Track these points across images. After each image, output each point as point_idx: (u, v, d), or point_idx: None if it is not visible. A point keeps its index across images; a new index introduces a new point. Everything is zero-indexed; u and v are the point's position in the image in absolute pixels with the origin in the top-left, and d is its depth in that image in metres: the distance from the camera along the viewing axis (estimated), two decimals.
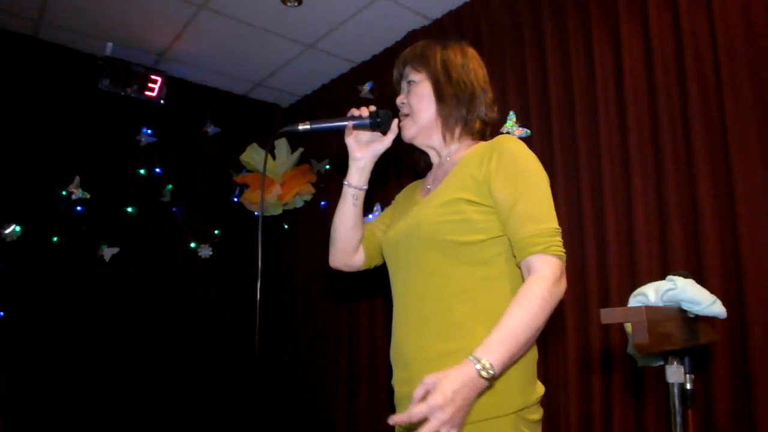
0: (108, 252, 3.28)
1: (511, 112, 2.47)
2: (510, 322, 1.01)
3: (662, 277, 1.16)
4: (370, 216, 2.96)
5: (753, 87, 1.83)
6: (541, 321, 1.03)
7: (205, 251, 3.72)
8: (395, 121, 1.35)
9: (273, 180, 3.65)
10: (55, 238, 3.15)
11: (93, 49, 3.27)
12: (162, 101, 3.40)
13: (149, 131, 3.52)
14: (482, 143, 1.27)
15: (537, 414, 1.15)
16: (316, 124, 1.32)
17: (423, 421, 0.90)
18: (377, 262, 1.48)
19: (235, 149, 3.73)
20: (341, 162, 3.63)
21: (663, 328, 1.00)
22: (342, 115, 1.35)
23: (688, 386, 1.10)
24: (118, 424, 3.22)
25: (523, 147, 1.20)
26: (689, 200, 1.96)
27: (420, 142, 1.34)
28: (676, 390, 1.09)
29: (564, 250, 1.11)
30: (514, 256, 1.14)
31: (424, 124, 1.30)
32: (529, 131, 2.43)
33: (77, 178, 3.21)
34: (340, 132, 1.36)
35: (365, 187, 1.39)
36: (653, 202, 2.06)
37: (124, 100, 3.34)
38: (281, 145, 3.73)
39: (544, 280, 1.05)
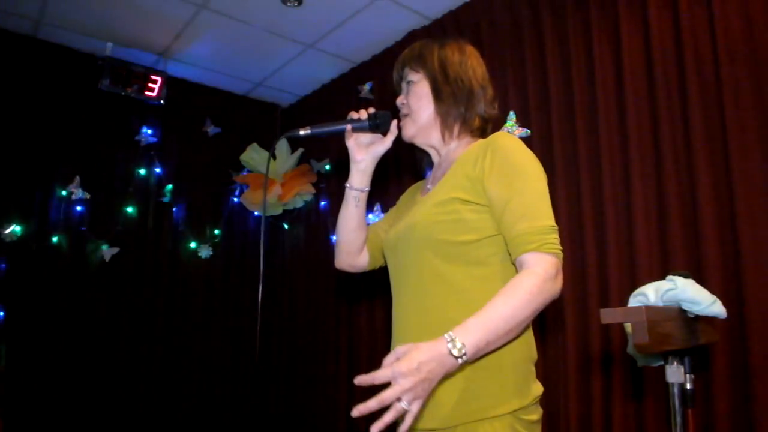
0: (108, 252, 3.28)
1: (511, 112, 2.47)
2: (493, 309, 1.00)
3: (662, 277, 1.16)
4: (371, 216, 2.96)
5: (753, 87, 1.83)
6: (526, 315, 1.02)
7: (205, 251, 3.72)
8: (394, 123, 1.35)
9: (273, 180, 3.65)
10: (55, 238, 3.15)
11: (93, 49, 3.27)
12: (162, 101, 3.39)
13: (149, 131, 3.52)
14: (479, 141, 1.26)
15: (535, 414, 1.14)
16: (317, 128, 1.34)
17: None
18: (382, 262, 1.48)
19: (235, 149, 3.73)
20: (341, 162, 3.63)
21: (663, 328, 1.00)
22: (342, 117, 1.36)
23: (688, 386, 1.10)
24: (118, 424, 3.22)
25: (518, 143, 1.19)
26: (689, 200, 1.96)
27: (420, 142, 1.34)
28: (676, 390, 1.09)
29: (560, 248, 1.09)
30: (509, 255, 1.13)
31: (423, 124, 1.30)
32: (529, 131, 2.43)
33: (77, 178, 3.21)
34: (341, 134, 1.37)
35: (367, 188, 1.41)
36: (653, 202, 2.06)
37: (124, 100, 3.34)
38: (281, 145, 3.73)
39: (534, 276, 1.03)
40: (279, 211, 3.76)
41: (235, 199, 3.88)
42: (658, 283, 1.13)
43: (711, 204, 1.89)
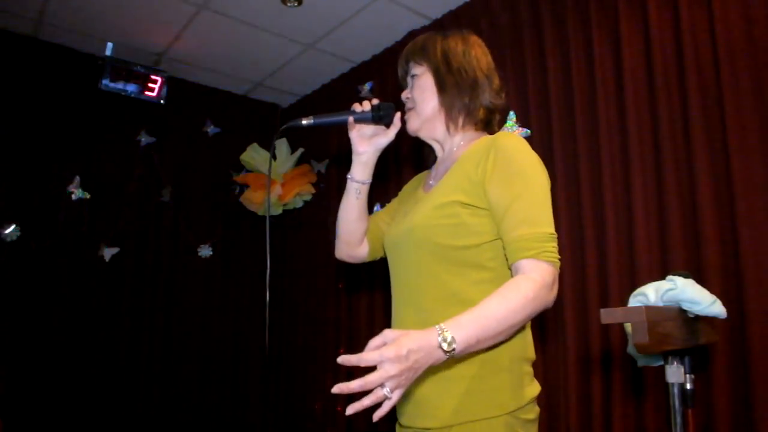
0: (108, 252, 3.28)
1: (511, 112, 2.47)
2: (487, 308, 0.98)
3: (662, 277, 1.16)
4: None
5: (753, 87, 1.83)
6: (519, 319, 1.00)
7: (205, 251, 3.72)
8: (398, 115, 1.34)
9: (274, 180, 3.65)
10: (55, 238, 3.15)
11: (93, 49, 3.27)
12: (162, 101, 3.39)
13: (149, 131, 3.52)
14: (483, 138, 1.25)
15: (532, 413, 1.14)
16: (319, 118, 1.34)
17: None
18: (381, 254, 1.47)
19: (235, 149, 3.73)
20: (341, 162, 3.64)
21: (663, 328, 1.00)
22: (345, 110, 1.35)
23: (688, 386, 1.10)
24: (118, 424, 3.22)
25: (521, 144, 1.17)
26: (689, 200, 1.96)
27: (424, 135, 1.33)
28: (676, 390, 1.09)
29: (558, 257, 1.07)
30: (507, 259, 1.12)
31: (427, 116, 1.29)
32: (529, 131, 2.43)
33: (77, 178, 3.21)
34: (340, 132, 1.36)
35: (369, 180, 1.40)
36: (653, 202, 2.06)
37: (124, 100, 3.34)
38: (281, 145, 3.73)
39: (531, 281, 1.02)
40: (279, 211, 3.76)
41: (236, 200, 3.87)
42: (658, 283, 1.13)
43: (711, 204, 1.89)
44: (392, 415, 1.25)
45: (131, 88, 3.29)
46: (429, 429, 1.13)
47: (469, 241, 1.14)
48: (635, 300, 1.14)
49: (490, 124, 1.31)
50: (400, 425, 1.25)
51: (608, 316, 0.98)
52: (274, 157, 3.72)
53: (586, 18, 2.33)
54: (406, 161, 3.10)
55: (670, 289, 1.10)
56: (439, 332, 0.92)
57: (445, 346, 0.91)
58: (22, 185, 3.07)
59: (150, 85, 3.35)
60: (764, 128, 1.80)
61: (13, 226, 2.99)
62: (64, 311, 3.13)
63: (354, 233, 1.43)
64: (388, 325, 1.29)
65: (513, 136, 1.19)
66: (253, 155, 3.70)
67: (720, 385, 1.80)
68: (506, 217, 1.09)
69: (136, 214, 3.46)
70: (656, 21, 2.09)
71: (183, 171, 3.69)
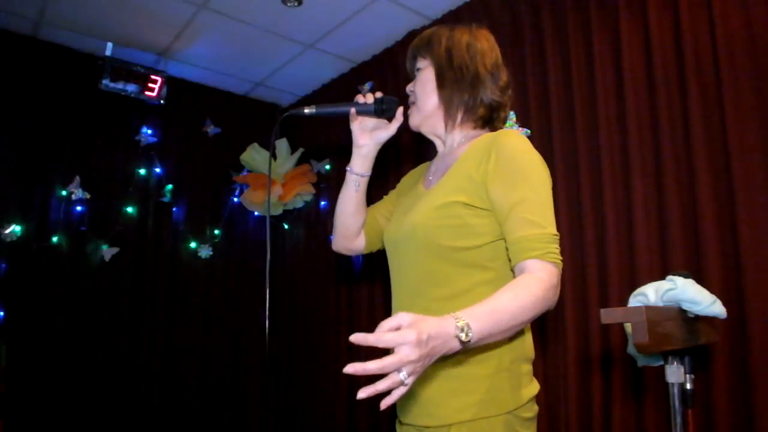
0: (108, 252, 3.28)
1: (511, 112, 2.47)
2: (500, 302, 0.96)
3: (662, 277, 1.16)
4: None
5: (753, 87, 1.83)
6: (527, 317, 0.99)
7: (205, 251, 3.72)
8: (400, 109, 1.33)
9: (274, 180, 3.65)
10: (55, 238, 3.15)
11: (93, 49, 3.27)
12: (162, 101, 3.39)
13: (149, 131, 3.52)
14: (484, 136, 1.24)
15: (531, 412, 1.14)
16: (321, 108, 1.32)
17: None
18: (378, 246, 1.47)
19: (235, 149, 3.73)
20: (341, 162, 3.64)
21: (663, 328, 1.01)
22: (348, 101, 1.35)
23: (688, 386, 1.10)
24: (118, 424, 3.21)
25: (523, 143, 1.16)
26: (689, 200, 1.96)
27: (426, 131, 1.33)
28: (676, 390, 1.09)
29: (561, 258, 1.07)
30: (509, 260, 1.12)
31: (428, 112, 1.29)
32: (529, 131, 2.43)
33: (77, 178, 3.21)
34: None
35: (368, 173, 1.39)
36: (653, 202, 2.06)
37: (124, 100, 3.34)
38: (281, 145, 3.74)
39: (540, 281, 1.01)
40: (279, 211, 3.76)
41: (235, 199, 3.87)
42: (658, 283, 1.13)
43: (711, 204, 1.89)
44: (393, 413, 1.25)
45: (131, 88, 3.29)
46: (429, 427, 1.13)
47: (471, 242, 1.14)
48: (635, 300, 1.14)
49: (491, 121, 1.29)
50: (400, 423, 1.25)
51: (608, 316, 0.98)
52: (274, 155, 3.72)
53: (586, 18, 2.33)
54: (406, 155, 3.10)
55: (670, 289, 1.10)
56: (456, 320, 0.88)
57: (462, 336, 0.87)
58: (22, 185, 3.07)
59: (150, 85, 3.34)
60: (764, 128, 1.80)
61: (13, 226, 2.99)
62: (64, 311, 3.13)
63: (351, 226, 1.42)
64: None
65: (514, 134, 1.18)
66: (253, 155, 3.70)
67: (720, 385, 1.80)
68: (510, 218, 1.08)
69: (136, 214, 3.46)
70: (656, 21, 2.09)
71: (183, 171, 3.69)
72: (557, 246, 1.07)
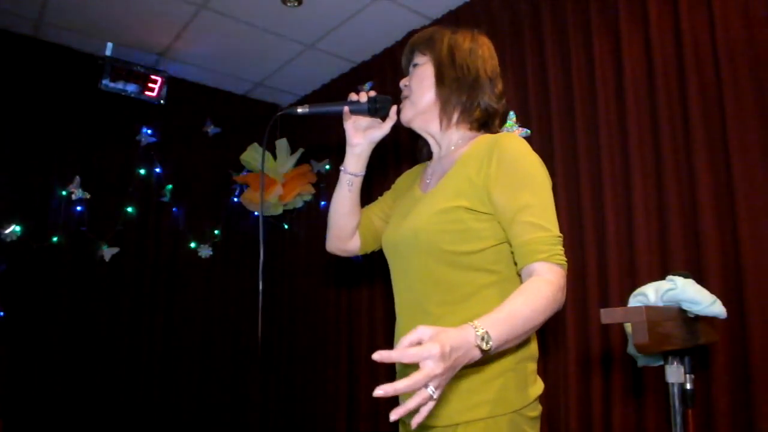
0: (108, 252, 3.28)
1: (511, 112, 2.47)
2: (515, 308, 0.96)
3: (662, 277, 1.16)
4: None
5: (753, 87, 1.83)
6: (540, 321, 1.00)
7: (205, 251, 3.72)
8: (394, 108, 1.33)
9: (274, 180, 3.65)
10: (55, 238, 3.15)
11: (93, 49, 3.27)
12: (162, 101, 3.39)
13: (149, 131, 3.52)
14: (483, 138, 1.23)
15: (536, 411, 1.15)
16: (314, 107, 1.32)
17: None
18: (373, 247, 1.46)
19: (235, 149, 3.73)
20: (341, 162, 3.63)
21: (663, 328, 1.01)
22: (341, 100, 1.34)
23: (688, 386, 1.10)
24: (118, 424, 3.22)
25: (524, 147, 1.16)
26: (689, 200, 1.96)
27: (418, 126, 1.31)
28: (676, 390, 1.09)
29: (566, 259, 1.08)
30: (515, 263, 1.12)
31: (422, 108, 1.28)
32: (529, 131, 2.43)
33: (77, 178, 3.21)
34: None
35: (362, 173, 1.38)
36: (653, 202, 2.06)
37: (124, 100, 3.34)
38: (281, 145, 3.73)
39: (549, 283, 1.02)
40: (279, 211, 3.76)
41: (235, 199, 3.87)
42: (658, 283, 1.13)
43: (711, 204, 1.89)
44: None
45: (131, 88, 3.29)
46: (435, 427, 1.13)
47: (475, 246, 1.14)
48: (635, 300, 1.14)
49: (487, 125, 1.29)
50: (404, 423, 1.25)
51: (608, 316, 0.98)
52: (274, 155, 3.72)
53: (586, 18, 2.33)
54: (406, 154, 3.09)
55: (670, 289, 1.10)
56: (477, 329, 0.88)
57: (483, 345, 0.87)
58: (22, 185, 3.07)
59: (150, 85, 3.35)
60: (764, 128, 1.80)
61: (13, 226, 2.99)
62: (64, 311, 3.13)
63: (345, 226, 1.41)
64: (390, 326, 1.28)
65: (515, 137, 1.18)
66: (253, 155, 3.69)
67: (720, 385, 1.80)
68: (515, 222, 1.09)
69: (136, 214, 3.46)
70: (656, 21, 2.09)
71: (183, 171, 3.69)
72: (562, 248, 1.08)
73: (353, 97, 1.33)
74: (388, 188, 1.54)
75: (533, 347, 1.19)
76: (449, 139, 1.29)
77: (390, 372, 1.28)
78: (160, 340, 3.47)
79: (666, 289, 1.10)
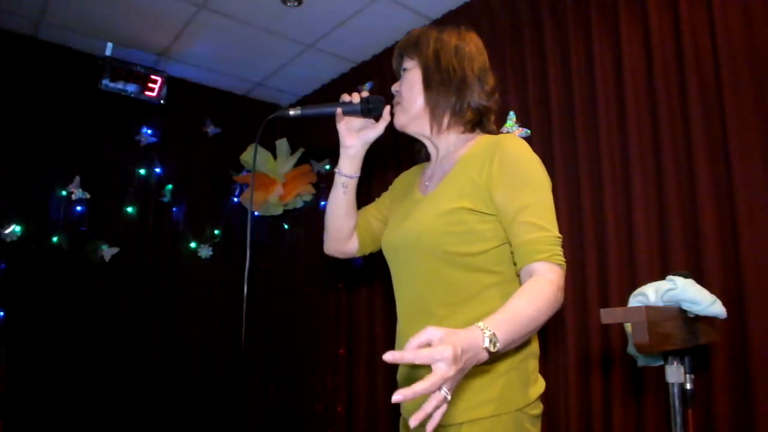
0: (108, 252, 3.28)
1: (511, 112, 2.47)
2: (518, 308, 0.96)
3: (662, 277, 1.16)
4: None
5: (753, 87, 1.83)
6: (543, 320, 1.00)
7: (205, 251, 3.72)
8: (387, 108, 1.32)
9: (275, 180, 3.65)
10: (55, 238, 3.15)
11: (93, 49, 3.27)
12: (162, 101, 3.39)
13: (149, 131, 3.52)
14: (482, 139, 1.23)
15: (538, 409, 1.15)
16: (307, 109, 1.31)
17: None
18: (371, 249, 1.46)
19: (235, 149, 3.73)
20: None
21: (663, 328, 1.01)
22: (334, 101, 1.33)
23: (688, 386, 1.10)
24: (118, 424, 3.22)
25: (525, 148, 1.17)
26: (689, 200, 1.96)
27: (412, 131, 1.31)
28: (676, 390, 1.09)
29: (564, 260, 1.08)
30: (515, 263, 1.12)
31: (413, 113, 1.27)
32: (529, 131, 2.43)
33: (77, 178, 3.21)
34: (332, 116, 1.34)
35: (356, 175, 1.37)
36: (653, 202, 2.06)
37: (124, 100, 3.34)
38: (281, 145, 3.73)
39: (551, 283, 1.03)
40: (279, 211, 3.76)
41: (235, 199, 3.88)
42: (658, 283, 1.13)
43: (711, 204, 1.89)
44: (394, 413, 1.25)
45: (131, 88, 3.29)
46: (440, 426, 1.13)
47: (478, 248, 1.14)
48: (635, 300, 1.14)
49: (481, 123, 1.28)
50: (405, 421, 1.25)
51: (608, 316, 0.98)
52: (274, 156, 3.72)
53: (586, 18, 2.33)
54: (406, 154, 3.09)
55: (670, 289, 1.10)
56: (485, 331, 0.88)
57: (491, 347, 0.88)
58: (22, 185, 3.07)
59: (150, 85, 3.35)
60: (764, 128, 1.80)
61: (13, 226, 2.99)
62: (64, 311, 3.13)
63: (342, 229, 1.40)
64: (390, 327, 1.28)
65: (516, 139, 1.18)
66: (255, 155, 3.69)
67: (720, 385, 1.80)
68: (515, 222, 1.09)
69: (136, 214, 3.46)
70: (656, 21, 2.09)
71: (183, 171, 3.69)
72: (561, 248, 1.08)
73: (346, 98, 1.32)
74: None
75: (534, 345, 1.19)
76: (446, 142, 1.28)
77: (390, 373, 1.28)
78: (160, 339, 3.47)
79: (666, 289, 1.10)
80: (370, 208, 1.47)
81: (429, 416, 0.79)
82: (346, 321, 3.45)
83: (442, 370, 0.78)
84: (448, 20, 2.92)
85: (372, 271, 3.27)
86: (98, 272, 3.27)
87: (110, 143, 3.40)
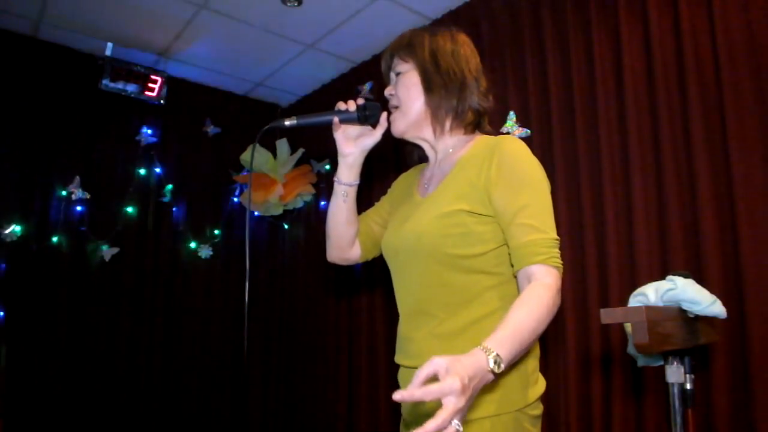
0: (108, 252, 3.28)
1: (511, 112, 2.47)
2: (519, 321, 0.97)
3: (662, 277, 1.16)
4: None
5: (753, 87, 1.83)
6: (543, 328, 1.00)
7: (205, 251, 3.72)
8: (384, 114, 1.30)
9: (275, 180, 3.65)
10: (55, 238, 3.15)
11: (93, 49, 3.27)
12: (162, 101, 3.39)
13: (149, 131, 3.53)
14: (481, 139, 1.23)
15: (538, 410, 1.15)
16: (303, 119, 1.29)
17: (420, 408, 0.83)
18: (374, 254, 1.45)
19: (235, 149, 3.73)
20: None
21: (663, 328, 1.01)
22: (329, 110, 1.30)
23: (688, 386, 1.10)
24: (118, 424, 3.22)
25: (524, 150, 1.16)
26: (689, 200, 1.96)
27: (411, 136, 1.29)
28: (676, 390, 1.09)
29: (561, 262, 1.08)
30: (512, 265, 1.12)
31: (413, 118, 1.25)
32: (529, 131, 2.43)
33: (77, 178, 3.21)
34: (328, 125, 1.32)
35: (356, 183, 1.35)
36: (653, 202, 2.06)
37: (124, 100, 3.34)
38: (282, 145, 3.73)
39: (548, 288, 1.02)
40: (279, 211, 3.76)
41: (235, 199, 3.88)
42: (658, 283, 1.13)
43: (711, 204, 1.89)
44: (394, 414, 1.25)
45: (131, 88, 3.29)
46: None
47: (477, 250, 1.14)
48: (635, 300, 1.14)
49: (480, 125, 1.28)
50: (405, 423, 1.25)
51: (608, 316, 0.98)
52: (274, 156, 3.71)
53: (586, 18, 2.33)
54: (404, 159, 3.09)
55: (670, 289, 1.10)
56: (488, 353, 0.89)
57: (495, 368, 0.88)
58: (22, 185, 3.07)
59: (150, 85, 3.35)
60: (764, 128, 1.80)
61: (13, 226, 2.99)
62: (64, 311, 3.13)
63: (344, 237, 1.39)
64: (390, 327, 1.28)
65: (515, 140, 1.18)
66: (254, 155, 3.69)
67: (720, 385, 1.80)
68: (513, 224, 1.09)
69: (136, 214, 3.46)
70: (656, 21, 2.09)
71: (183, 171, 3.69)
72: (558, 250, 1.08)
73: (341, 106, 1.29)
74: None
75: (535, 346, 1.19)
76: (445, 144, 1.27)
77: (390, 374, 1.28)
78: (159, 339, 3.47)
79: (666, 289, 1.10)
80: (370, 213, 1.47)
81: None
82: (346, 320, 3.44)
83: (453, 403, 0.78)
84: (448, 20, 2.92)
85: (373, 271, 3.27)
86: (98, 272, 3.27)
87: (110, 143, 3.41)
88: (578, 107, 2.31)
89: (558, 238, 1.09)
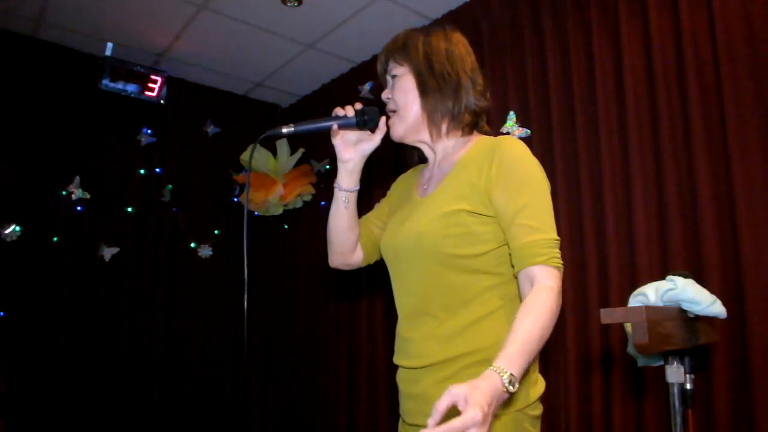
0: (108, 252, 3.28)
1: (511, 112, 2.47)
2: (525, 332, 0.97)
3: (662, 277, 1.16)
4: None
5: (753, 87, 1.83)
6: (549, 333, 1.01)
7: (205, 251, 3.72)
8: (383, 119, 1.29)
9: (275, 180, 3.65)
10: (55, 238, 3.15)
11: (93, 49, 3.27)
12: (162, 101, 3.39)
13: (149, 131, 3.52)
14: (481, 140, 1.23)
15: (538, 410, 1.15)
16: (300, 126, 1.26)
17: None
18: (376, 258, 1.45)
19: (235, 149, 3.72)
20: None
21: (663, 328, 1.01)
22: (327, 116, 1.29)
23: (688, 386, 1.10)
24: (118, 424, 3.22)
25: (525, 151, 1.16)
26: (689, 200, 1.96)
27: (410, 140, 1.29)
28: (676, 390, 1.09)
29: (562, 263, 1.08)
30: (512, 266, 1.12)
31: (411, 122, 1.25)
32: (529, 131, 2.43)
33: (77, 178, 3.21)
34: (327, 131, 1.31)
35: (356, 188, 1.34)
36: (653, 202, 2.06)
37: (124, 100, 3.34)
38: (282, 145, 3.73)
39: (550, 291, 1.02)
40: (279, 211, 3.76)
41: (235, 199, 3.87)
42: (658, 283, 1.13)
43: (711, 204, 1.89)
44: (394, 414, 1.25)
45: (131, 88, 3.29)
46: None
47: (478, 250, 1.13)
48: (635, 300, 1.14)
49: (477, 125, 1.27)
50: (404, 422, 1.25)
51: (608, 316, 0.98)
52: (274, 156, 3.71)
53: (586, 18, 2.33)
54: (405, 162, 3.09)
55: (670, 289, 1.10)
56: (502, 374, 0.90)
57: (511, 388, 0.90)
58: (22, 185, 3.07)
59: (150, 85, 3.35)
60: (764, 128, 1.80)
61: (13, 226, 2.99)
62: (64, 311, 3.13)
63: (346, 242, 1.39)
64: (390, 327, 1.28)
65: (516, 141, 1.18)
66: (254, 155, 3.69)
67: (720, 385, 1.80)
68: (513, 224, 1.09)
69: (136, 214, 3.46)
70: (656, 21, 2.09)
71: (183, 171, 3.69)
72: (558, 251, 1.08)
73: (339, 111, 1.27)
74: None
75: None
76: (444, 145, 1.27)
77: (390, 374, 1.28)
78: (160, 339, 3.47)
79: (666, 289, 1.10)
80: (370, 216, 1.46)
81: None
82: (346, 320, 3.44)
83: None
84: (448, 20, 2.92)
85: (373, 271, 3.26)
86: (98, 272, 3.27)
87: (110, 143, 3.41)
88: (578, 107, 2.31)
89: (558, 238, 1.09)
